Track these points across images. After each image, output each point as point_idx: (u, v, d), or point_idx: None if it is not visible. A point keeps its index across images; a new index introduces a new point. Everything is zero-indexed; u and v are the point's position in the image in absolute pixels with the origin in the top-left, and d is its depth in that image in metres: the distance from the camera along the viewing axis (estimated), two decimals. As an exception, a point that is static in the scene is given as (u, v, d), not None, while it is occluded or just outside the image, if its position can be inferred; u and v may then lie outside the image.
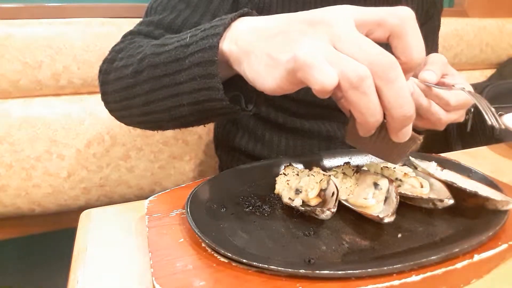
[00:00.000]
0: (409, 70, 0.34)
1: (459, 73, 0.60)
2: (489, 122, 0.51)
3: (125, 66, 0.48)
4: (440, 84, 0.56)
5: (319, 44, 0.33)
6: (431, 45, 0.81)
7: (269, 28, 0.38)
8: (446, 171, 0.49)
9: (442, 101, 0.55)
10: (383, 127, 0.36)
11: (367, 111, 0.33)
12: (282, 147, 0.73)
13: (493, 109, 0.51)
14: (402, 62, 0.33)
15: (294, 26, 0.36)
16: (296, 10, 0.66)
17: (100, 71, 0.56)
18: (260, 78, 0.37)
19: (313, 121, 0.72)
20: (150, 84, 0.45)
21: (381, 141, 0.38)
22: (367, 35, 0.34)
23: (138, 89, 0.46)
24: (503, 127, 0.51)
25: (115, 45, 0.58)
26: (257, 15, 0.42)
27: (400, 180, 0.46)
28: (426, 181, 0.45)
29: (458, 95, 0.55)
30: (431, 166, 0.51)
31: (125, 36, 0.61)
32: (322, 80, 0.32)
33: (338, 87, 0.32)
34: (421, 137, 0.38)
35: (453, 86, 0.55)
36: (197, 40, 0.40)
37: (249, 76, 0.38)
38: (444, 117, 0.56)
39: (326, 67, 0.32)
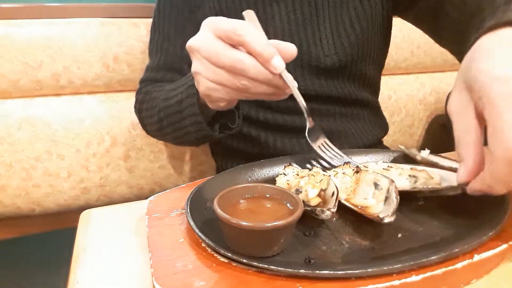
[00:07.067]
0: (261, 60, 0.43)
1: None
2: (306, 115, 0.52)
3: (151, 116, 0.69)
4: None
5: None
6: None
7: None
8: (431, 155, 0.53)
9: None
10: (241, 229, 0.34)
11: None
12: (278, 145, 0.73)
13: (305, 105, 0.52)
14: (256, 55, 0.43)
15: None
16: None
17: (136, 100, 0.76)
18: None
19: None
20: (171, 128, 0.64)
21: (244, 239, 0.35)
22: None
23: (165, 130, 0.66)
24: (312, 123, 0.54)
25: (138, 93, 0.76)
26: None
27: (415, 176, 0.46)
28: (434, 171, 0.47)
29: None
30: (424, 153, 0.55)
31: (141, 82, 0.78)
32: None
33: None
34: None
35: None
36: (183, 98, 0.57)
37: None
38: None
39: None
